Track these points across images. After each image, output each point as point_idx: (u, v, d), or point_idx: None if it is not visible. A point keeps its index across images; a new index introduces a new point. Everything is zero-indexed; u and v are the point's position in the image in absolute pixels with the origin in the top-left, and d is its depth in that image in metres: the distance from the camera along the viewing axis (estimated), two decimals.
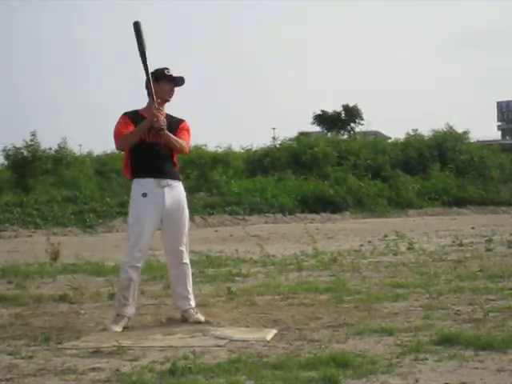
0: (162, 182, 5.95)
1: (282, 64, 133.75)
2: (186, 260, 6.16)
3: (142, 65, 5.95)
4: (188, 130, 6.18)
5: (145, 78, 5.98)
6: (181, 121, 6.17)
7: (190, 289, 6.23)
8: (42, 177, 26.47)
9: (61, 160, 28.05)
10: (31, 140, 27.51)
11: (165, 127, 5.87)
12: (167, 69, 6.06)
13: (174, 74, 6.06)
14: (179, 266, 6.13)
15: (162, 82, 6.00)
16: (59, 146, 28.56)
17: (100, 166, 31.65)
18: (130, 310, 6.01)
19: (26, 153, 27.27)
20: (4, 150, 27.52)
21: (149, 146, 5.95)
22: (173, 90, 6.07)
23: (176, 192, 6.04)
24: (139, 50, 5.97)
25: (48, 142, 28.86)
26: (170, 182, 6.00)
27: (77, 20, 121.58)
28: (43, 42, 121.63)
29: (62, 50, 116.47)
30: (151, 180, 5.94)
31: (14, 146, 27.38)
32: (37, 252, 11.99)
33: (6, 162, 28.47)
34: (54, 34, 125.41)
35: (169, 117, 6.05)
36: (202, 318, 6.08)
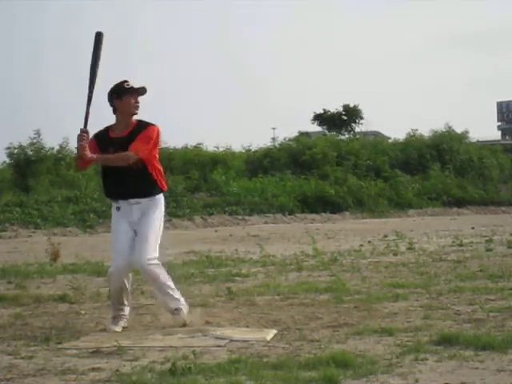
0: (131, 201, 5.96)
1: (282, 64, 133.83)
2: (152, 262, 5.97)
3: (88, 79, 5.93)
4: (146, 137, 5.89)
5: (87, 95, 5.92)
6: (143, 128, 5.95)
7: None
8: (42, 176, 26.44)
9: (61, 160, 28.02)
10: (34, 138, 27.48)
11: (85, 154, 5.83)
12: (126, 81, 5.96)
13: (135, 86, 5.96)
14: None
15: (125, 97, 5.91)
16: (60, 146, 28.54)
17: (100, 166, 31.55)
18: (127, 310, 6.07)
19: (29, 152, 27.23)
20: (8, 148, 27.46)
21: (112, 168, 5.96)
22: (137, 102, 5.97)
23: (145, 208, 5.97)
24: (93, 62, 5.95)
25: (49, 142, 28.73)
26: (139, 200, 5.96)
27: (77, 20, 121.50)
28: (44, 41, 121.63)
29: (62, 49, 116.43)
30: (121, 201, 6.00)
31: (21, 145, 27.32)
32: (37, 252, 11.99)
33: (8, 161, 28.38)
34: (55, 34, 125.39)
35: (137, 126, 5.94)
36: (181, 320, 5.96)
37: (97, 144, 5.99)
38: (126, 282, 6.00)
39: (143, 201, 5.97)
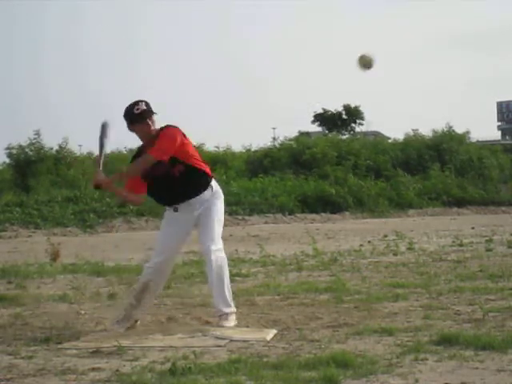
0: (190, 202, 6.03)
1: (282, 64, 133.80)
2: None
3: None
4: (165, 134, 5.88)
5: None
6: (164, 127, 5.95)
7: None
8: (42, 176, 26.44)
9: (61, 160, 28.02)
10: (34, 139, 27.47)
11: (102, 184, 5.95)
12: (137, 104, 5.92)
13: (144, 106, 5.94)
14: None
15: (137, 124, 5.91)
16: (60, 146, 28.54)
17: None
18: (138, 313, 5.96)
19: (29, 152, 27.22)
20: (8, 149, 27.45)
21: (159, 183, 5.96)
22: (152, 121, 5.96)
23: (206, 199, 6.09)
24: (101, 144, 6.08)
25: (49, 142, 28.72)
26: (198, 198, 6.04)
27: (78, 20, 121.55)
28: (44, 41, 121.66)
29: (62, 50, 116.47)
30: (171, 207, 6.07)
31: (20, 145, 27.30)
32: (37, 252, 11.98)
33: (8, 161, 28.38)
34: (55, 34, 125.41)
35: (158, 131, 5.93)
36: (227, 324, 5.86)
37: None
38: (154, 284, 5.95)
39: (203, 196, 6.06)
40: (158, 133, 5.92)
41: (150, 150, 5.85)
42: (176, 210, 6.04)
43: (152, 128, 5.93)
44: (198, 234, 6.15)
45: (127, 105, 5.95)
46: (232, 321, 5.86)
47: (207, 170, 6.15)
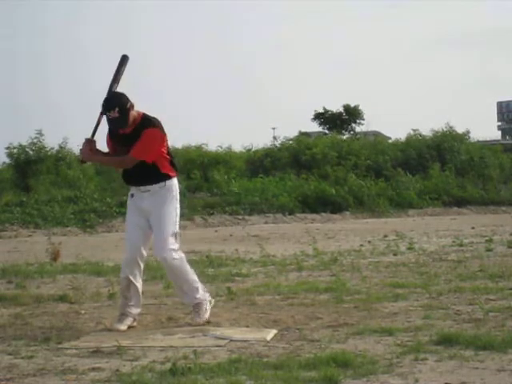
0: (141, 189, 6.06)
1: (282, 64, 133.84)
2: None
3: (110, 88, 6.01)
4: (148, 138, 5.90)
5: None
6: (144, 129, 5.93)
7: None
8: (42, 176, 26.44)
9: (62, 160, 28.01)
10: (36, 138, 27.46)
11: (85, 158, 6.11)
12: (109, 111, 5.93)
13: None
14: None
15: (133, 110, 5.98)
16: (60, 146, 28.53)
17: (100, 165, 31.57)
18: (135, 310, 6.03)
19: (30, 152, 27.21)
20: (8, 148, 27.44)
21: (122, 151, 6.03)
22: None
23: (156, 195, 6.03)
24: (117, 79, 6.05)
25: (49, 142, 28.70)
26: (148, 187, 6.04)
27: (79, 20, 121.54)
28: (46, 42, 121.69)
29: (63, 49, 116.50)
30: (133, 188, 6.13)
31: (20, 145, 27.30)
32: (37, 252, 11.97)
33: (8, 161, 28.36)
34: (57, 34, 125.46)
35: (140, 124, 5.94)
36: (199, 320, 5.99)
37: (110, 138, 6.10)
38: (132, 277, 6.00)
39: (152, 188, 6.03)
40: (143, 129, 5.91)
41: (133, 150, 5.90)
42: (132, 196, 6.14)
43: (131, 118, 5.92)
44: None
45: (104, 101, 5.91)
46: (204, 311, 5.99)
47: (169, 169, 6.11)
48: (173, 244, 5.97)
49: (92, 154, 6.05)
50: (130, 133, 5.94)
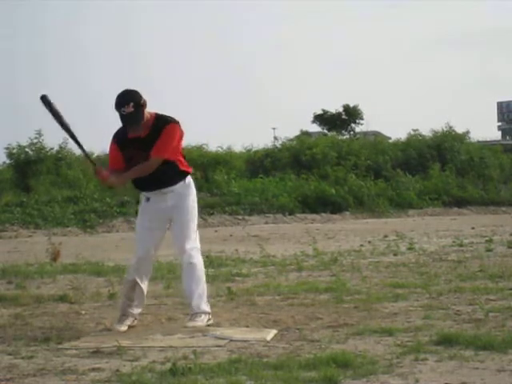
0: (163, 191, 5.99)
1: (282, 64, 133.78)
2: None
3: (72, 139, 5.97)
4: (169, 134, 5.87)
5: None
6: (163, 127, 5.87)
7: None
8: (42, 177, 26.43)
9: (62, 160, 27.99)
10: (35, 138, 27.44)
11: (117, 186, 6.15)
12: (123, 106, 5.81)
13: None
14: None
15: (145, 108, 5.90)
16: (60, 147, 28.51)
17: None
18: (136, 310, 6.00)
19: (30, 152, 27.19)
20: (7, 148, 27.41)
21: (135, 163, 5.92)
22: None
23: (179, 193, 6.01)
24: (62, 125, 5.92)
25: (49, 142, 28.66)
26: (171, 188, 5.99)
27: (79, 20, 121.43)
28: (46, 42, 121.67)
29: (63, 49, 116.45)
30: (152, 192, 6.03)
31: (19, 145, 27.28)
32: (37, 252, 11.97)
33: (8, 161, 28.32)
34: (57, 34, 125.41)
35: (154, 125, 5.87)
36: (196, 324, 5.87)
37: (118, 147, 6.00)
38: (139, 279, 5.97)
39: (175, 188, 5.99)
40: (162, 127, 5.85)
41: (155, 151, 5.82)
42: (148, 200, 6.04)
43: (144, 118, 5.84)
44: (171, 232, 6.09)
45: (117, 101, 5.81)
46: (205, 321, 5.87)
47: (186, 165, 6.11)
48: (196, 242, 5.98)
49: (116, 178, 5.93)
50: (147, 135, 5.85)
